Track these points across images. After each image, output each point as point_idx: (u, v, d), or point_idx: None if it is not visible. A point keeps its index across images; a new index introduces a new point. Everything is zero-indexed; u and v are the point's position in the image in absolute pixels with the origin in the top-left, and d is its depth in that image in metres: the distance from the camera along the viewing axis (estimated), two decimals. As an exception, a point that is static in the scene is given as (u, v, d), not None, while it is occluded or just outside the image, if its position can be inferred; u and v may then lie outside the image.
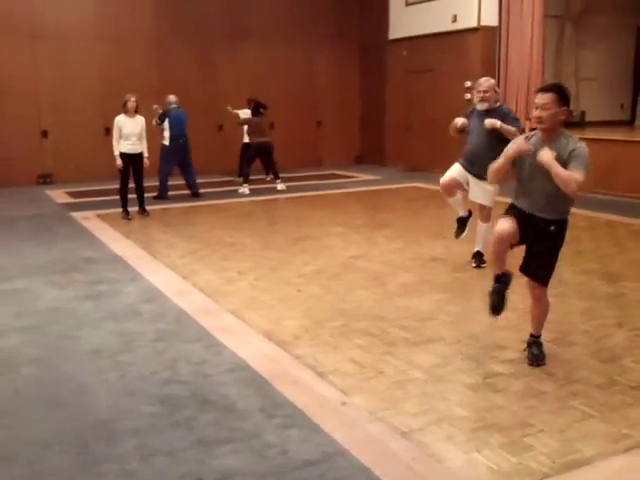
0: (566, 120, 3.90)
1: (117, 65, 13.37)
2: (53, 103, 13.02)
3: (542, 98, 3.84)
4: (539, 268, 4.05)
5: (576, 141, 3.87)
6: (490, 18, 12.77)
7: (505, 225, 3.96)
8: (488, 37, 12.84)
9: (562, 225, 4.00)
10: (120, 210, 9.34)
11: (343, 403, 3.62)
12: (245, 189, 11.65)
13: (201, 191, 11.35)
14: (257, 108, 11.87)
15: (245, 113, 12.44)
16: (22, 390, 3.86)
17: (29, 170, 13.06)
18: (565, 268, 6.35)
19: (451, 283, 5.95)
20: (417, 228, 8.44)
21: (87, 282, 6.09)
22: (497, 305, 4.20)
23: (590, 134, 11.27)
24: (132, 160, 9.18)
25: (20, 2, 12.62)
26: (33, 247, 7.65)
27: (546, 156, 3.76)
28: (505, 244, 4.02)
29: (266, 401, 3.66)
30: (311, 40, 15.25)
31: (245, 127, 12.20)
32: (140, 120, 9.18)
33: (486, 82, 6.21)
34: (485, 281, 5.93)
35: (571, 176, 3.73)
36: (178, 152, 11.19)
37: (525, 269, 4.12)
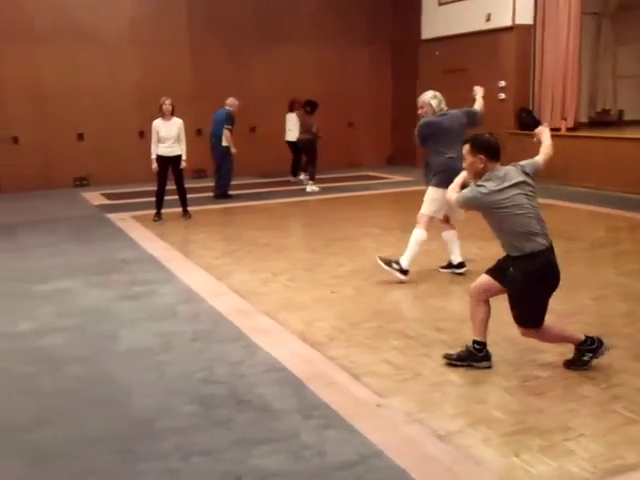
0: (483, 170, 3.89)
1: (153, 69, 13.55)
2: (90, 107, 13.24)
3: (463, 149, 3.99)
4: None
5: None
6: (525, 16, 12.64)
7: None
8: (523, 36, 12.71)
9: (519, 265, 3.84)
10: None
11: (379, 405, 3.62)
12: (314, 187, 11.87)
13: (231, 193, 11.46)
14: (306, 106, 12.15)
15: (291, 117, 12.64)
16: (66, 388, 3.94)
17: (66, 173, 13.30)
18: (606, 270, 6.28)
19: (487, 285, 5.89)
20: (451, 229, 8.36)
21: (125, 283, 6.19)
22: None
23: (628, 133, 11.09)
24: (169, 162, 9.28)
25: (60, 9, 12.86)
26: (73, 248, 7.80)
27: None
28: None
29: (302, 402, 3.68)
30: (344, 42, 15.26)
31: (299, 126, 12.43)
32: (176, 122, 9.28)
33: (420, 98, 6.18)
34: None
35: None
36: (212, 151, 11.45)
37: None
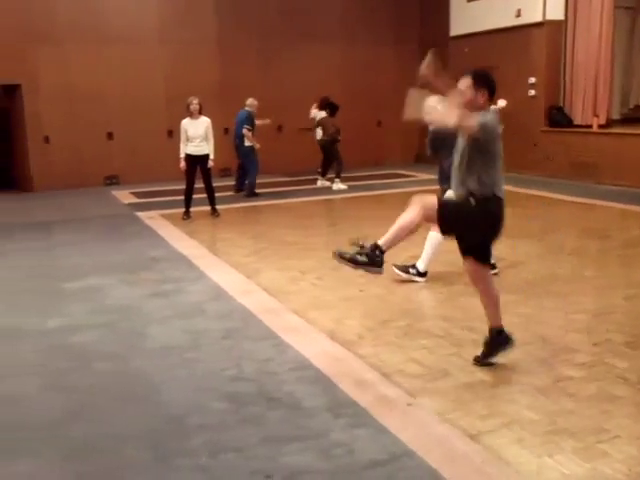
0: (482, 107, 3.79)
1: (180, 68, 13.64)
2: (119, 106, 13.39)
3: (460, 83, 3.84)
4: None
5: None
6: (556, 12, 12.47)
7: None
8: (554, 32, 12.54)
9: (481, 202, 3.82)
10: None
11: (409, 404, 3.59)
12: (340, 185, 11.89)
13: (258, 191, 11.52)
14: (332, 109, 12.17)
15: (319, 114, 12.64)
16: (97, 385, 3.98)
17: (97, 171, 13.47)
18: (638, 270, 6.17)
19: (518, 284, 5.83)
20: (481, 228, 8.28)
21: (154, 280, 6.23)
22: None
23: (662, 130, 10.88)
24: (197, 161, 9.34)
25: (88, 10, 13.03)
26: (103, 246, 7.89)
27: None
28: None
29: (331, 400, 3.66)
30: (371, 40, 15.22)
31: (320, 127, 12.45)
32: (204, 121, 9.33)
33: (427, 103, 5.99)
34: (555, 284, 5.83)
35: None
36: (236, 150, 11.60)
37: None
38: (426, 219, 3.89)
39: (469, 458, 3.05)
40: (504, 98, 12.56)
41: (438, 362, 4.13)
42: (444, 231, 3.99)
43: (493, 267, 6.15)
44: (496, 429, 3.30)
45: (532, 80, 12.86)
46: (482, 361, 4.02)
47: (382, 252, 3.84)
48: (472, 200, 3.78)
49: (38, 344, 4.68)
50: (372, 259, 3.81)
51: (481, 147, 3.77)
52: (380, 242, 3.85)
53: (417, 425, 3.36)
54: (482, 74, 3.88)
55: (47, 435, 3.39)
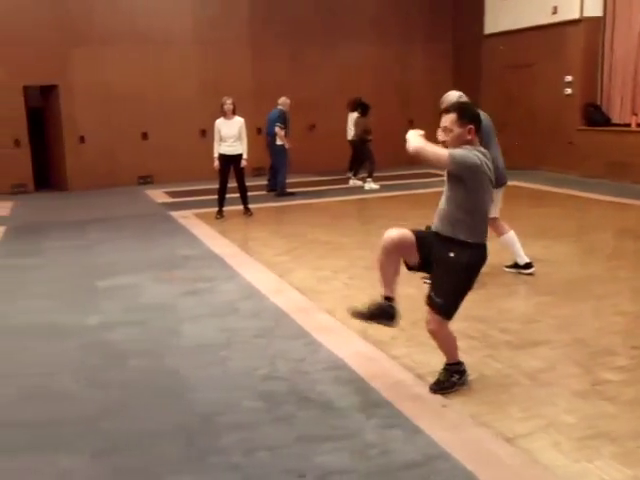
0: (469, 144, 3.53)
1: (214, 68, 13.73)
2: (153, 106, 13.52)
3: (444, 120, 3.58)
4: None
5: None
6: (594, 8, 12.25)
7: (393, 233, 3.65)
8: (591, 29, 12.32)
9: (466, 252, 3.56)
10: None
11: (444, 405, 3.55)
12: (372, 184, 11.88)
13: (290, 190, 11.52)
14: (359, 108, 12.12)
15: (352, 116, 12.61)
16: (131, 382, 4.01)
17: (131, 171, 13.62)
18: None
19: (554, 285, 5.73)
20: (515, 228, 8.15)
21: (188, 279, 6.27)
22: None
23: None
24: (231, 161, 9.39)
25: (123, 12, 13.18)
26: (137, 245, 7.97)
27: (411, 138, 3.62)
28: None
29: (365, 401, 3.64)
30: (403, 40, 15.14)
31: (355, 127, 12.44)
32: (238, 121, 9.37)
33: (446, 99, 5.78)
34: (593, 283, 5.72)
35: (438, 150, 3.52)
36: (268, 150, 11.65)
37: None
38: (399, 256, 3.71)
39: (505, 461, 3.00)
40: (539, 97, 12.43)
41: (473, 364, 4.06)
42: (416, 266, 3.75)
43: (528, 266, 6.06)
44: (532, 432, 3.24)
45: (568, 78, 12.65)
46: (437, 391, 3.71)
47: (390, 299, 3.79)
48: (452, 254, 3.55)
49: (76, 341, 4.74)
50: (383, 311, 3.78)
51: (464, 185, 3.52)
52: (383, 292, 3.80)
53: (452, 427, 3.32)
54: (466, 108, 3.67)
55: (85, 430, 3.43)
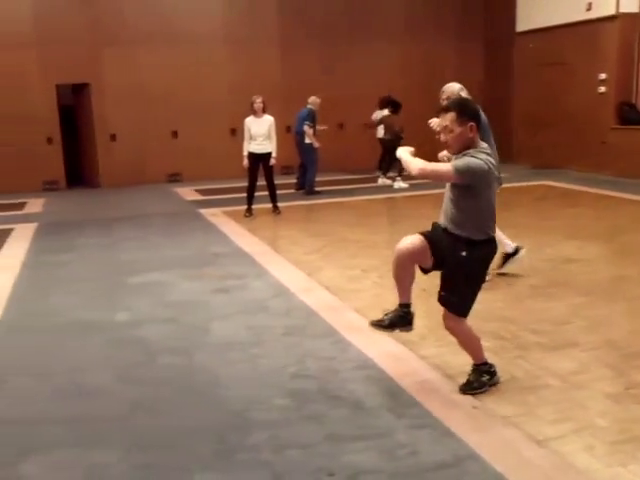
0: (472, 142, 3.44)
1: (244, 67, 13.80)
2: (183, 104, 13.63)
3: (443, 120, 3.47)
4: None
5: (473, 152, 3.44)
6: (630, 4, 12.04)
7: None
8: (627, 25, 12.11)
9: (477, 250, 3.52)
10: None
11: (474, 407, 3.52)
12: (402, 183, 11.86)
13: (318, 189, 11.52)
14: (394, 106, 12.09)
15: (381, 113, 12.57)
16: (162, 379, 4.05)
17: (161, 169, 13.76)
18: None
19: (588, 286, 5.64)
20: (548, 228, 8.09)
21: (217, 276, 6.31)
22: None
23: None
24: (260, 159, 9.42)
25: (154, 11, 13.32)
26: (167, 242, 8.05)
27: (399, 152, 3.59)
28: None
29: (394, 401, 3.63)
30: (433, 39, 15.05)
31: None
32: (267, 120, 9.40)
33: (449, 87, 5.57)
34: (626, 285, 5.63)
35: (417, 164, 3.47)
36: (298, 148, 11.69)
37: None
38: (414, 263, 3.70)
39: (537, 464, 2.97)
40: (572, 95, 12.25)
41: (503, 364, 4.03)
42: (431, 268, 3.70)
43: (518, 250, 5.95)
44: (564, 435, 3.20)
45: (602, 76, 12.46)
46: (467, 391, 3.68)
47: (407, 306, 3.79)
48: (464, 252, 3.51)
49: (106, 338, 4.80)
50: (401, 318, 3.78)
51: (472, 191, 3.47)
52: (400, 300, 3.80)
53: (482, 428, 3.29)
54: (466, 105, 3.56)
55: (117, 427, 3.47)
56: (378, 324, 3.81)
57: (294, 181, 12.15)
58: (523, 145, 14.62)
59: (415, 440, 3.19)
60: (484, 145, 3.56)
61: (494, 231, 3.64)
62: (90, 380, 4.06)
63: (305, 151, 11.60)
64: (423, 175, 3.50)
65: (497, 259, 5.90)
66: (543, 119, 13.98)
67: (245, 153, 9.45)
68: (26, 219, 10.08)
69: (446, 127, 3.47)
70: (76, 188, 13.50)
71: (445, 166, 3.50)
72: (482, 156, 3.42)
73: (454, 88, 5.58)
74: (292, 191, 11.67)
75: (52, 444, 3.31)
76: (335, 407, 3.56)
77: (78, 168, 14.10)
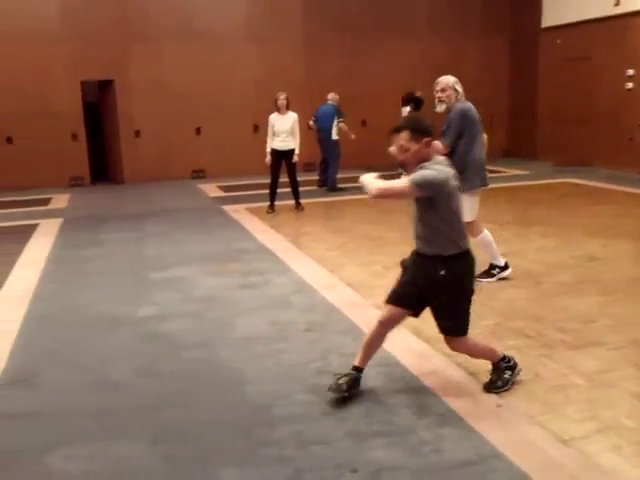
0: (427, 157, 3.39)
1: (267, 63, 13.82)
2: (207, 101, 13.69)
3: (398, 139, 3.41)
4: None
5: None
6: (660, -1, 11.85)
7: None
8: (656, 21, 11.92)
9: (454, 265, 3.44)
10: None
11: (498, 405, 3.50)
12: None
13: (341, 186, 11.50)
14: (411, 103, 11.97)
15: (404, 111, 12.51)
16: (186, 373, 4.08)
17: (184, 165, 13.84)
18: None
19: (614, 284, 5.58)
20: (573, 225, 8.01)
21: (241, 272, 6.34)
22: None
23: None
24: (283, 156, 9.44)
25: (178, 8, 13.40)
26: (191, 237, 8.10)
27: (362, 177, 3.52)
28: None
29: (417, 398, 3.61)
30: (458, 33, 14.95)
31: None
32: (291, 117, 9.40)
33: (444, 79, 5.46)
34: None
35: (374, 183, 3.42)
36: (320, 145, 11.62)
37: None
38: (392, 322, 3.68)
39: (562, 463, 2.94)
40: (599, 91, 12.09)
41: (528, 363, 4.00)
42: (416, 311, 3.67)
43: (506, 267, 5.78)
44: (590, 435, 3.17)
45: (630, 72, 12.28)
46: (492, 390, 3.65)
47: (361, 370, 3.72)
48: (442, 272, 3.43)
49: (132, 332, 4.85)
50: (357, 381, 3.69)
51: (435, 203, 3.40)
52: (357, 363, 3.72)
53: (506, 427, 3.27)
54: (418, 122, 3.48)
55: (140, 419, 3.50)
56: (337, 391, 3.59)
57: (316, 178, 12.15)
58: (548, 142, 14.48)
59: (438, 438, 3.17)
60: (440, 158, 3.52)
61: (468, 242, 3.56)
62: (116, 373, 4.11)
63: (329, 147, 11.60)
64: (382, 194, 3.43)
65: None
66: (569, 116, 13.82)
67: (268, 150, 9.47)
68: (51, 214, 10.20)
69: (402, 146, 3.42)
70: (101, 184, 13.63)
71: (402, 182, 3.45)
72: (437, 167, 3.38)
73: (449, 80, 5.52)
74: (314, 188, 11.68)
75: (79, 436, 3.35)
76: (358, 404, 3.56)
77: (103, 164, 14.23)
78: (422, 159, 3.42)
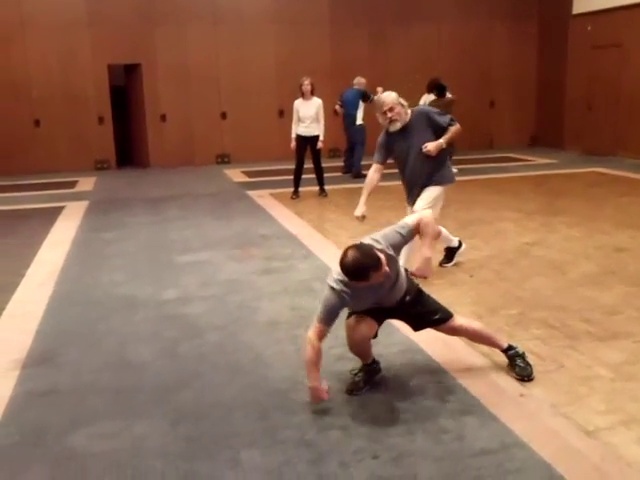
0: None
1: (292, 48, 13.75)
2: (232, 86, 13.69)
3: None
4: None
5: None
6: (692, -14, 11.56)
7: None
8: (688, 7, 11.64)
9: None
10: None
11: (521, 395, 3.46)
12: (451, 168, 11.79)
13: (366, 172, 11.38)
14: (435, 89, 11.77)
15: (428, 98, 12.37)
16: (207, 355, 4.10)
17: (209, 150, 13.87)
18: None
19: (639, 275, 5.49)
20: (599, 216, 7.89)
21: (263, 257, 6.35)
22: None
23: None
24: (307, 142, 9.41)
25: (205, -10, 13.38)
26: (215, 222, 8.12)
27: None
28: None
29: (439, 386, 3.59)
30: (486, 15, 14.74)
31: None
32: (315, 102, 9.36)
33: (387, 98, 5.18)
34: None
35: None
36: (345, 131, 11.50)
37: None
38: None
39: (585, 454, 2.90)
40: (628, 79, 11.83)
41: (552, 353, 3.96)
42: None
43: (461, 244, 5.92)
44: (614, 426, 3.13)
45: (661, 60, 12.04)
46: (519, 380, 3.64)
47: (373, 361, 3.74)
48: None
49: (154, 313, 4.89)
50: (373, 372, 3.71)
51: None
52: (366, 362, 3.72)
53: (529, 417, 3.24)
54: (364, 264, 3.28)
55: (160, 400, 3.53)
56: (355, 389, 3.59)
57: (341, 164, 12.10)
58: (576, 130, 14.25)
59: (460, 425, 3.15)
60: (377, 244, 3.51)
61: None
62: (137, 354, 4.14)
63: (355, 132, 11.48)
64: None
65: (441, 254, 5.95)
66: (597, 104, 13.59)
67: (293, 135, 9.45)
68: (77, 197, 10.31)
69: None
70: (126, 168, 13.72)
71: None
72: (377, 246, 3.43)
73: (392, 97, 5.22)
74: (339, 174, 11.63)
75: (99, 415, 3.38)
76: (379, 390, 3.55)
77: (128, 148, 14.32)
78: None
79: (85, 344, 4.35)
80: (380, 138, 5.52)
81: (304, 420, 3.26)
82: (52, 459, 3.00)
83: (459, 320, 3.72)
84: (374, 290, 3.41)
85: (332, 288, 3.40)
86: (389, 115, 5.19)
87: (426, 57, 14.20)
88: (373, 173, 5.48)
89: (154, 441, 3.12)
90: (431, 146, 5.26)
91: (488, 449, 2.95)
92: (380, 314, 3.63)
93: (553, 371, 3.73)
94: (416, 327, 3.77)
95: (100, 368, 3.96)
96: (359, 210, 5.37)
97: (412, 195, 5.54)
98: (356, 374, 3.67)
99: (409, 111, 5.32)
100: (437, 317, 3.67)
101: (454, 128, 5.32)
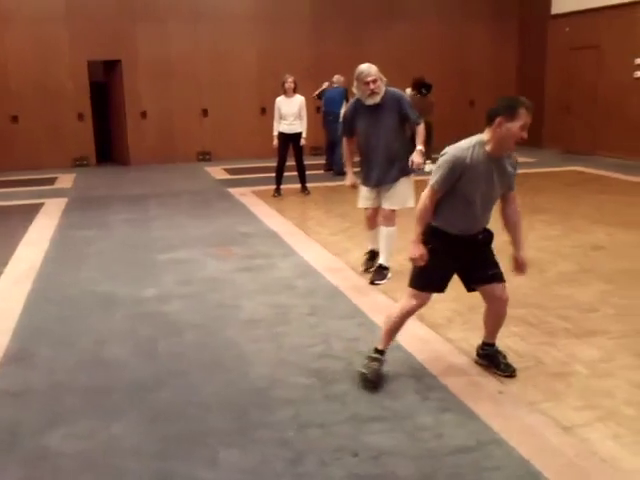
0: None
1: (273, 45, 13.73)
2: (213, 82, 13.63)
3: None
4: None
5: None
6: (669, -13, 11.70)
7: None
8: (665, 9, 11.78)
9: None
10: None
11: (500, 392, 3.49)
12: (432, 166, 11.78)
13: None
14: (419, 88, 11.81)
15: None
16: (185, 354, 4.08)
17: (190, 147, 13.80)
18: None
19: (616, 273, 5.55)
20: (577, 214, 7.97)
21: (244, 255, 6.33)
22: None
23: None
24: (290, 139, 9.39)
25: (186, -13, 13.30)
26: (195, 220, 8.09)
27: None
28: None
29: (419, 383, 3.61)
30: (465, 18, 14.83)
31: None
32: (298, 100, 9.34)
33: (372, 69, 5.10)
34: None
35: None
36: (326, 128, 11.48)
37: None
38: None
39: (562, 451, 2.93)
40: (606, 80, 11.93)
41: (530, 350, 4.00)
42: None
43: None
44: (590, 423, 3.16)
45: (638, 61, 12.16)
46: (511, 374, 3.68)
47: (383, 352, 3.73)
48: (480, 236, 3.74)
49: (133, 312, 4.85)
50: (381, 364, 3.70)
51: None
52: (381, 346, 3.73)
53: (507, 414, 3.26)
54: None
55: (137, 399, 3.51)
56: (369, 384, 3.58)
57: (323, 162, 12.09)
58: (553, 129, 14.37)
59: (439, 423, 3.17)
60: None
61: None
62: (114, 353, 4.11)
63: (337, 130, 11.46)
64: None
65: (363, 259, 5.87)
66: (576, 104, 13.72)
67: (275, 133, 9.43)
68: (56, 194, 10.21)
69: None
70: (106, 165, 13.61)
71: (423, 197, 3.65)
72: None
73: (375, 69, 5.19)
74: (321, 172, 11.63)
75: (75, 415, 3.35)
76: (359, 388, 3.56)
77: (108, 145, 14.20)
78: None
79: (61, 343, 4.31)
80: (347, 110, 5.41)
81: (283, 418, 3.25)
82: (26, 459, 2.97)
83: (506, 291, 3.69)
84: (485, 177, 3.65)
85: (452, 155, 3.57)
86: (372, 87, 5.09)
87: (407, 56, 14.22)
88: (348, 145, 5.51)
89: (130, 441, 3.10)
90: (417, 159, 5.28)
91: (466, 447, 2.97)
92: (452, 259, 3.60)
93: (531, 367, 3.77)
94: (474, 280, 3.68)
95: (76, 367, 3.92)
96: (349, 180, 5.56)
97: (370, 178, 5.41)
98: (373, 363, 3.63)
99: (384, 89, 5.21)
100: (496, 271, 3.63)
101: (421, 129, 5.34)
